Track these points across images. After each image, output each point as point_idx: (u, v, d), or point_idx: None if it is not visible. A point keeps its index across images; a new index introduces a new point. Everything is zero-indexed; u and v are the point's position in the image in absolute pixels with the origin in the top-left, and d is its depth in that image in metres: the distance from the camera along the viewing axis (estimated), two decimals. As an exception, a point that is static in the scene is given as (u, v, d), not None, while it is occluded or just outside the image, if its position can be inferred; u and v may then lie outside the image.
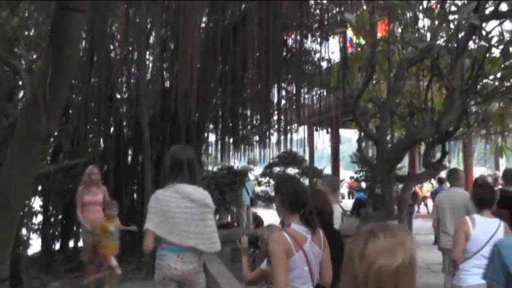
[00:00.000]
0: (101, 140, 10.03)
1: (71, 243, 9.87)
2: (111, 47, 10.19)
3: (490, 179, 11.21)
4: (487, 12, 6.19)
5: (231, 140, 12.61)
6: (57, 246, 9.86)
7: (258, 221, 12.19)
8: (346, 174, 17.99)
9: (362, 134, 8.68)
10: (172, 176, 4.13)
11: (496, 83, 8.22)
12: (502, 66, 7.80)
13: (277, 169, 12.29)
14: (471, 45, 7.10)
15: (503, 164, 20.68)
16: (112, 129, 10.14)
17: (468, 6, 4.84)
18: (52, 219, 9.74)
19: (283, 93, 12.47)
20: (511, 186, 7.06)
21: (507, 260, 2.84)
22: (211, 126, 12.39)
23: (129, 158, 10.41)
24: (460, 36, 6.14)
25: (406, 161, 14.44)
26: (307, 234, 3.03)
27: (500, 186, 9.69)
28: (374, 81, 9.32)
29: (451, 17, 5.63)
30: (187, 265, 4.04)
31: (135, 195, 9.89)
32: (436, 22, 5.60)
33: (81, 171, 8.37)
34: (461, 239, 4.56)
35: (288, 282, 2.92)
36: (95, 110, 9.55)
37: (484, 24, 6.37)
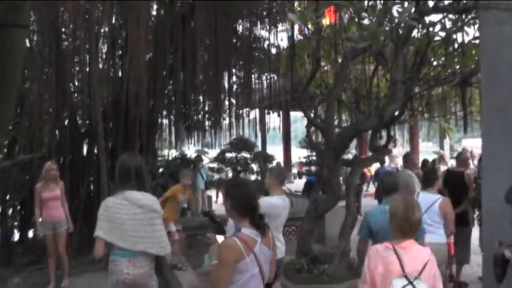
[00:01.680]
0: (57, 132, 9.96)
1: (30, 234, 9.86)
2: (63, 37, 10.11)
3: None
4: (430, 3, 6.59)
5: (185, 126, 12.76)
6: (16, 237, 9.82)
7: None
8: (300, 153, 18.30)
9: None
10: (121, 184, 4.27)
11: (439, 68, 8.68)
12: (444, 53, 8.26)
13: (229, 155, 12.52)
14: (415, 33, 7.49)
15: (447, 142, 21.59)
16: (67, 121, 10.11)
17: (408, 7, 5.20)
18: (10, 211, 9.73)
19: (234, 78, 12.72)
20: (460, 167, 7.78)
21: (370, 222, 4.78)
22: (164, 112, 12.49)
23: (85, 150, 10.43)
24: (402, 25, 6.44)
25: (353, 143, 14.90)
26: (256, 237, 3.15)
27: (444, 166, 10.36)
28: (322, 69, 9.64)
29: (394, 9, 5.96)
30: (139, 269, 4.18)
31: (91, 187, 9.93)
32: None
33: (37, 165, 8.47)
34: None
35: (244, 285, 3.11)
36: (49, 101, 9.51)
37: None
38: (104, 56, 10.56)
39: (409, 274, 3.20)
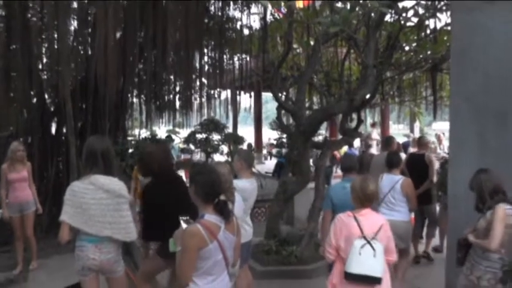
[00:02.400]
0: (24, 111, 9.73)
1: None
2: (31, 11, 9.83)
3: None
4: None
5: (156, 105, 12.67)
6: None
7: None
8: (272, 133, 18.37)
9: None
10: (88, 167, 4.22)
11: (411, 54, 8.77)
12: (415, 38, 8.33)
13: (199, 136, 12.47)
14: (387, 18, 7.53)
15: (417, 125, 21.90)
16: (35, 99, 9.89)
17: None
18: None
19: (206, 59, 12.65)
20: (422, 149, 8.11)
21: (332, 195, 5.30)
22: (135, 92, 12.36)
23: (54, 129, 10.25)
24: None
25: (324, 125, 14.95)
26: (220, 223, 3.19)
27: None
28: (294, 52, 9.64)
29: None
30: (106, 255, 4.17)
31: (60, 167, 9.79)
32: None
33: (4, 144, 8.30)
34: None
35: (208, 271, 3.17)
36: (16, 79, 9.29)
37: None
38: (73, 33, 10.35)
39: (367, 235, 3.85)
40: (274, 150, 16.81)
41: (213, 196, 3.25)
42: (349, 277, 3.84)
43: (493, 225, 3.89)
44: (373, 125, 16.60)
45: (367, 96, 7.74)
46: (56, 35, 9.58)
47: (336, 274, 4.03)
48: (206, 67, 12.77)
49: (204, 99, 13.01)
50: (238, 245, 3.53)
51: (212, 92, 13.63)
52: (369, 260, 3.79)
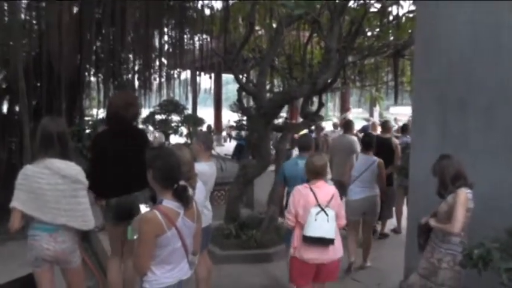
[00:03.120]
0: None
1: None
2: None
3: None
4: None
5: (114, 85, 12.37)
6: None
7: None
8: (232, 115, 18.36)
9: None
10: (42, 150, 3.95)
11: (374, 39, 8.81)
12: (378, 24, 8.36)
13: (159, 117, 12.30)
14: (351, 3, 7.52)
15: (377, 110, 22.17)
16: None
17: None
18: None
19: (166, 38, 12.40)
20: (386, 133, 8.42)
21: (284, 170, 5.88)
22: (92, 70, 12.02)
23: (6, 108, 9.85)
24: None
25: (284, 108, 14.97)
26: (179, 210, 3.07)
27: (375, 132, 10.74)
28: (256, 34, 9.55)
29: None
30: (60, 244, 3.94)
31: (13, 148, 9.41)
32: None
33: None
34: (348, 170, 6.92)
35: (166, 260, 3.06)
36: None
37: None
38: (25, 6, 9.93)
39: (321, 204, 4.44)
40: (233, 133, 16.78)
41: (172, 181, 3.10)
42: (307, 240, 4.44)
43: (455, 208, 3.95)
44: (348, 109, 16.95)
45: (329, 80, 7.73)
46: (6, 7, 9.15)
47: (296, 238, 4.58)
48: (166, 46, 12.54)
49: (163, 80, 12.82)
50: (199, 232, 3.42)
51: (172, 72, 13.41)
52: (323, 224, 4.40)
